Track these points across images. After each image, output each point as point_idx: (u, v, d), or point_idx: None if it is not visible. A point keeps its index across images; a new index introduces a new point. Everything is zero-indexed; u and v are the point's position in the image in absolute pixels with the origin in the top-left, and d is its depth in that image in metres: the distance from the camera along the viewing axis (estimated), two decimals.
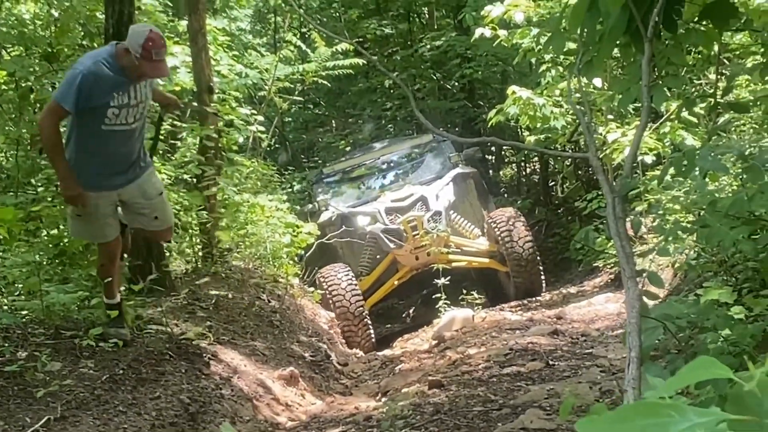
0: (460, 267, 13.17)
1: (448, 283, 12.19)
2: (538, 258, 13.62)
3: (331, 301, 12.63)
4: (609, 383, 7.14)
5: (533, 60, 13.41)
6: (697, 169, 4.76)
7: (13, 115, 11.90)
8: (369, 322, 12.69)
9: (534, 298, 13.58)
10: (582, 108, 8.55)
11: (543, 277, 13.89)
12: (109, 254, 7.27)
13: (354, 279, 12.58)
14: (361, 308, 12.43)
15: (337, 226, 13.21)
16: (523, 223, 13.11)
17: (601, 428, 1.30)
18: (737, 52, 8.39)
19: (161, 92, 8.03)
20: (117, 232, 7.13)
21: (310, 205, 14.24)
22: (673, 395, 1.43)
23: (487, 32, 12.55)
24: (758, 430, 1.29)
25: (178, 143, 12.82)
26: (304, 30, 19.30)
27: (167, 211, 7.27)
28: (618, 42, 4.25)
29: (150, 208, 7.02)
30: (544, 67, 12.97)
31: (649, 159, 11.22)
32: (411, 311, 14.86)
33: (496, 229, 12.96)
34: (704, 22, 4.37)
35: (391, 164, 14.93)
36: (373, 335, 12.88)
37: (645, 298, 4.06)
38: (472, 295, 12.62)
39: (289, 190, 17.36)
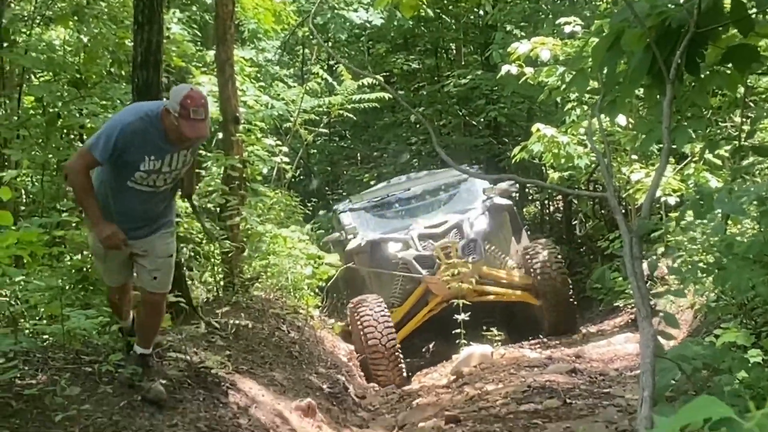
0: (485, 301, 12.61)
1: (467, 318, 11.76)
2: (572, 292, 13.09)
3: (362, 334, 11.99)
4: (625, 423, 7.12)
5: (559, 98, 13.32)
6: (717, 211, 4.94)
7: (40, 140, 11.83)
8: (401, 355, 12.13)
9: (557, 336, 12.82)
10: (602, 148, 9.54)
11: (577, 313, 13.61)
12: (114, 296, 7.06)
13: (387, 311, 11.99)
14: (393, 341, 11.86)
15: (366, 254, 12.62)
16: (558, 256, 12.64)
17: None
18: (764, 95, 8.38)
19: (190, 177, 7.60)
20: (125, 280, 6.96)
21: (336, 234, 13.68)
22: None
23: (514, 69, 12.44)
24: None
25: (203, 172, 12.78)
26: (331, 63, 19.12)
27: (168, 276, 6.92)
28: (641, 83, 4.24)
29: (153, 267, 6.74)
30: (569, 105, 12.93)
31: (672, 200, 11.10)
32: (431, 346, 14.13)
33: (532, 261, 12.41)
34: (728, 65, 4.39)
35: (424, 195, 14.23)
36: (404, 369, 12.28)
37: (661, 339, 4.05)
38: (492, 331, 12.40)
39: (314, 223, 16.82)
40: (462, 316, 11.78)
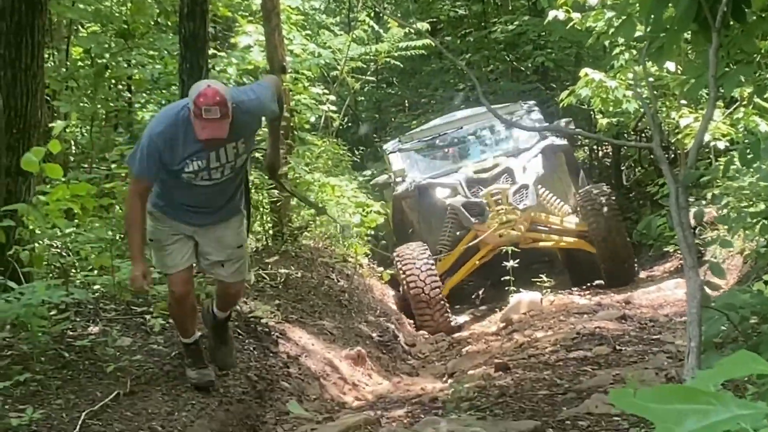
0: (538, 248, 12.54)
1: (518, 266, 11.76)
2: (629, 240, 12.71)
3: (405, 282, 12.00)
4: (675, 370, 7.15)
5: (607, 43, 13.07)
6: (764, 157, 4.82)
7: (89, 92, 12.32)
8: (446, 305, 11.98)
9: (616, 285, 12.47)
10: (648, 97, 8.67)
11: (636, 261, 13.32)
12: (174, 293, 6.67)
13: (431, 260, 11.89)
14: (437, 290, 11.74)
15: (414, 199, 12.44)
16: (614, 202, 12.37)
17: (634, 404, 1.28)
18: None
19: (274, 148, 7.26)
20: (181, 267, 6.55)
21: (384, 176, 13.63)
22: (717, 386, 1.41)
23: (561, 15, 12.61)
24: None
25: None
26: (377, 9, 18.82)
27: (244, 265, 6.71)
28: (687, 29, 4.23)
29: (225, 257, 6.47)
30: (617, 50, 12.95)
31: (722, 144, 11.09)
32: (480, 293, 14.13)
33: (587, 207, 12.10)
34: None
35: (477, 134, 13.82)
36: (451, 318, 12.19)
37: (707, 289, 4.03)
38: (542, 278, 12.29)
39: (366, 173, 17.29)
40: (511, 263, 11.67)
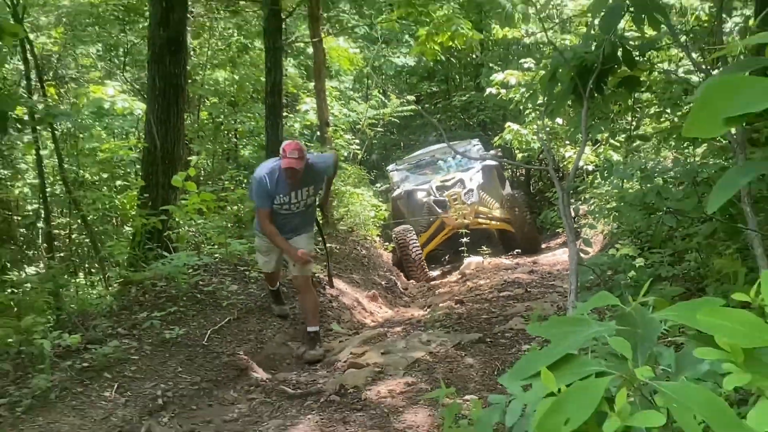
0: (480, 229, 14.62)
1: (468, 241, 13.76)
2: (536, 224, 14.92)
3: (399, 250, 14.03)
4: (563, 303, 8.14)
5: (521, 107, 15.25)
6: (614, 175, 5.92)
7: (211, 138, 13.88)
8: (425, 264, 14.08)
9: (527, 253, 14.70)
10: (546, 140, 10.24)
11: (540, 238, 14.92)
12: (269, 277, 8.15)
13: (415, 236, 13.86)
14: (420, 255, 13.89)
15: (404, 199, 14.83)
16: (525, 201, 14.44)
17: (542, 330, 1.59)
18: (645, 104, 9.12)
19: (326, 194, 8.58)
20: (276, 269, 7.97)
21: (387, 185, 15.70)
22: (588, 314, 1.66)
23: (494, 90, 14.98)
24: (633, 335, 1.53)
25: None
26: (384, 88, 21.47)
27: (309, 264, 7.75)
28: (569, 99, 4.82)
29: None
30: (528, 111, 14.97)
31: (590, 167, 12.82)
32: (446, 257, 16.22)
33: (509, 203, 14.43)
34: (621, 88, 4.94)
35: (442, 159, 16.21)
36: (428, 272, 14.18)
37: (581, 254, 4.69)
38: (483, 248, 14.31)
39: (377, 186, 19.20)
40: (465, 240, 13.69)
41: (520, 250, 14.45)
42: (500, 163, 14.51)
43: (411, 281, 13.64)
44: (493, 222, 14.10)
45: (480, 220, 13.90)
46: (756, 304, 1.36)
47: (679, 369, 1.55)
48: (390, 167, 16.56)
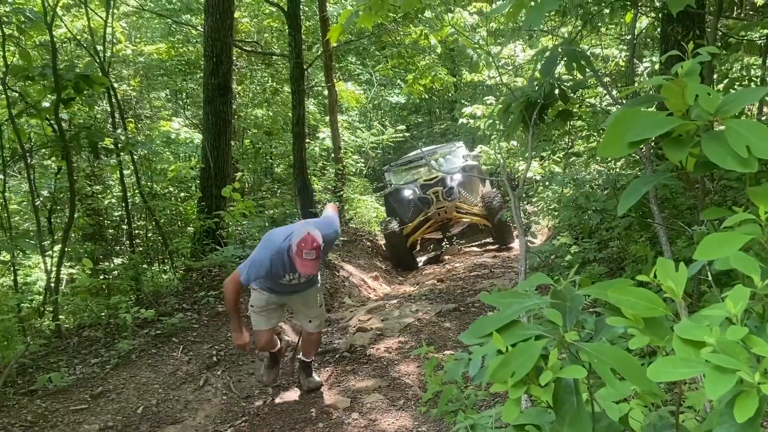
0: (460, 222, 13.49)
1: (450, 234, 13.27)
2: (509, 220, 12.57)
3: (387, 240, 12.87)
4: (517, 281, 7.05)
5: (486, 133, 14.97)
6: (555, 184, 6.11)
7: (252, 159, 14.21)
8: (412, 252, 13.07)
9: (502, 244, 13.43)
10: (503, 157, 10.35)
11: (513, 232, 13.26)
12: (256, 345, 5.62)
13: (401, 228, 12.79)
14: (405, 243, 12.78)
15: (393, 195, 13.57)
16: (500, 199, 13.17)
17: (491, 299, 1.51)
18: (578, 128, 9.16)
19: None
20: (266, 327, 5.45)
21: (381, 184, 14.58)
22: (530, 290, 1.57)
23: (465, 120, 14.92)
24: (562, 307, 1.49)
25: (325, 172, 14.42)
26: (382, 120, 21.75)
27: (322, 319, 5.61)
28: (519, 126, 4.67)
29: (311, 314, 5.52)
30: (491, 135, 14.58)
31: (538, 177, 12.32)
32: (431, 246, 15.06)
33: (486, 200, 13.16)
34: (558, 118, 4.79)
35: (428, 160, 15.57)
36: (416, 261, 13.22)
37: (529, 243, 4.78)
38: (459, 241, 13.85)
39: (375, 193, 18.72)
40: (448, 233, 13.32)
41: (493, 240, 13.23)
42: (475, 168, 13.61)
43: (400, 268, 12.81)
44: (472, 216, 13.03)
45: (458, 214, 12.89)
46: (654, 283, 1.38)
47: (597, 332, 1.55)
48: (385, 168, 15.36)
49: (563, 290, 1.54)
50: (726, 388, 1.08)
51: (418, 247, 13.45)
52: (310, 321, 5.45)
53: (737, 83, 6.05)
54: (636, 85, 4.16)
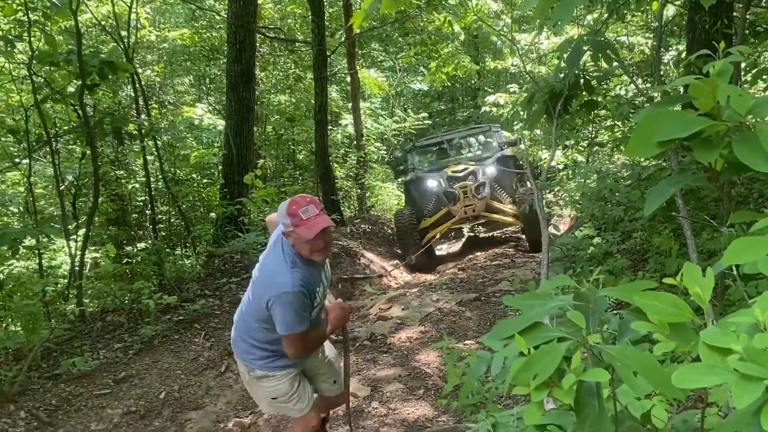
0: (489, 221, 11.69)
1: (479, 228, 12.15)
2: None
3: (396, 231, 11.62)
4: (539, 271, 6.92)
5: (508, 121, 14.81)
6: (578, 175, 6.06)
7: (275, 146, 14.36)
8: (420, 242, 11.34)
9: (536, 251, 10.80)
10: (524, 148, 10.04)
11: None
12: (315, 428, 4.01)
13: (414, 218, 11.39)
14: (418, 241, 11.26)
15: (415, 183, 12.10)
16: (539, 200, 12.53)
17: (515, 302, 1.51)
18: (602, 118, 9.09)
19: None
20: (312, 401, 4.02)
21: (402, 167, 13.23)
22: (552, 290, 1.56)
23: (488, 108, 14.72)
24: (585, 309, 1.49)
25: (347, 159, 14.47)
26: (405, 107, 21.66)
27: (340, 377, 4.18)
28: (543, 116, 4.65)
29: (333, 375, 4.14)
30: (515, 124, 14.41)
31: (561, 167, 12.22)
32: (452, 234, 13.94)
33: (521, 200, 11.11)
34: (583, 108, 4.79)
35: (458, 143, 13.06)
36: (433, 250, 11.78)
37: (551, 236, 4.61)
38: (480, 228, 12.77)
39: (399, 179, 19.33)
40: (469, 229, 12.41)
41: (527, 244, 11.49)
42: (511, 160, 11.92)
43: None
44: (504, 218, 11.52)
45: (487, 215, 11.46)
46: (681, 287, 1.36)
47: (621, 334, 1.52)
48: (408, 147, 13.59)
49: (586, 292, 1.53)
50: (753, 397, 1.06)
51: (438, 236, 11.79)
52: (334, 381, 4.15)
53: (765, 75, 5.82)
54: (662, 77, 4.11)
